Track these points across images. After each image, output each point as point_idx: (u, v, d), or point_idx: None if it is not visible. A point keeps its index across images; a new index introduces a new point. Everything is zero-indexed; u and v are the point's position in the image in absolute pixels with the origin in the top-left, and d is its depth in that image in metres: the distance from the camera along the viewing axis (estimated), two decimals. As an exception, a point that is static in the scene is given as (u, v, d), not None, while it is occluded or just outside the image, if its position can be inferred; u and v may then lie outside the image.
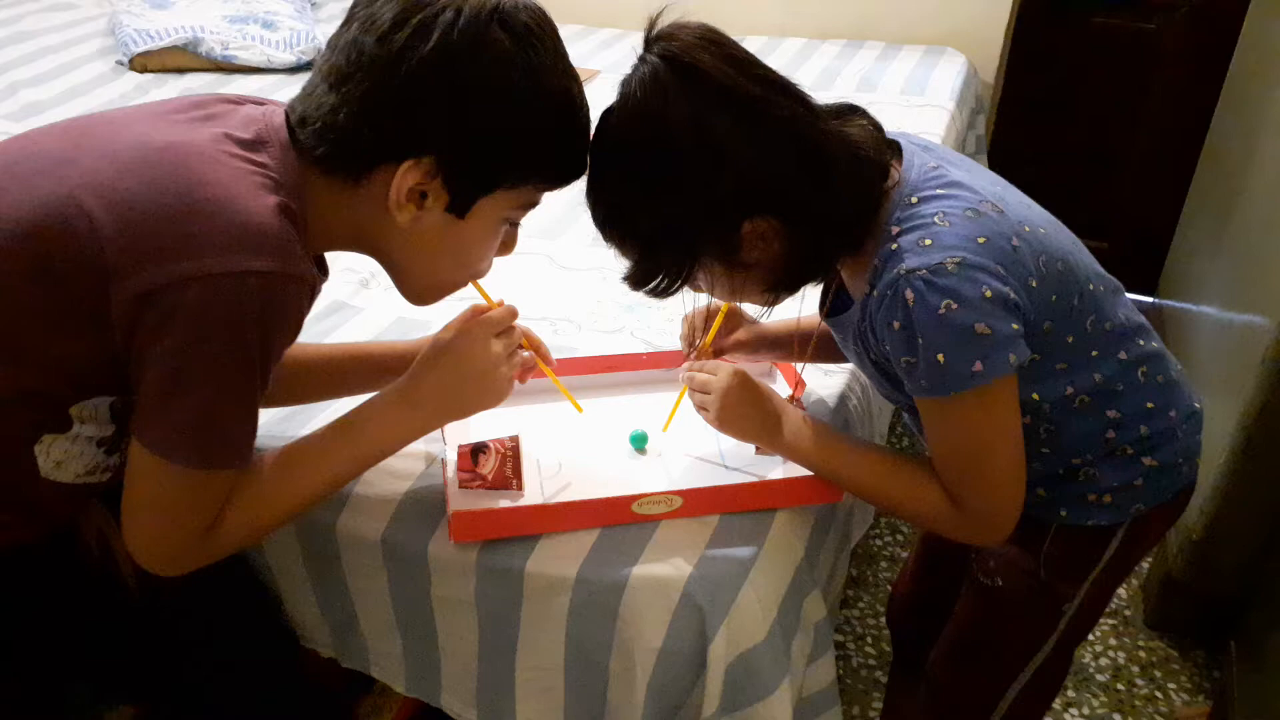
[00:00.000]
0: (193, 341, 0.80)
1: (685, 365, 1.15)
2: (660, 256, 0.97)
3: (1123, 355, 1.02)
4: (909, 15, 2.88)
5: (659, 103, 0.89)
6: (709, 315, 1.20)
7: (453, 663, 1.13)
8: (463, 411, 1.05)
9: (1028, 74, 2.96)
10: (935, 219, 0.92)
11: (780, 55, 2.72)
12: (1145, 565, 2.07)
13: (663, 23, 0.93)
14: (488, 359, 1.00)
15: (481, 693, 1.13)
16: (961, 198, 0.94)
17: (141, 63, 2.51)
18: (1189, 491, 1.11)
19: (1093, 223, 3.01)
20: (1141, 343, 1.03)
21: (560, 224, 1.70)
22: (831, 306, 1.10)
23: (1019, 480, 0.97)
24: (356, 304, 1.49)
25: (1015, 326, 0.91)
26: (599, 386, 1.28)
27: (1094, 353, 1.00)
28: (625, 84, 0.92)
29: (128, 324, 0.80)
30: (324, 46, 0.92)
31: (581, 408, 1.19)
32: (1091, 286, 1.00)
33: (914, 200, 0.94)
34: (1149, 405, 1.03)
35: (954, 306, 0.88)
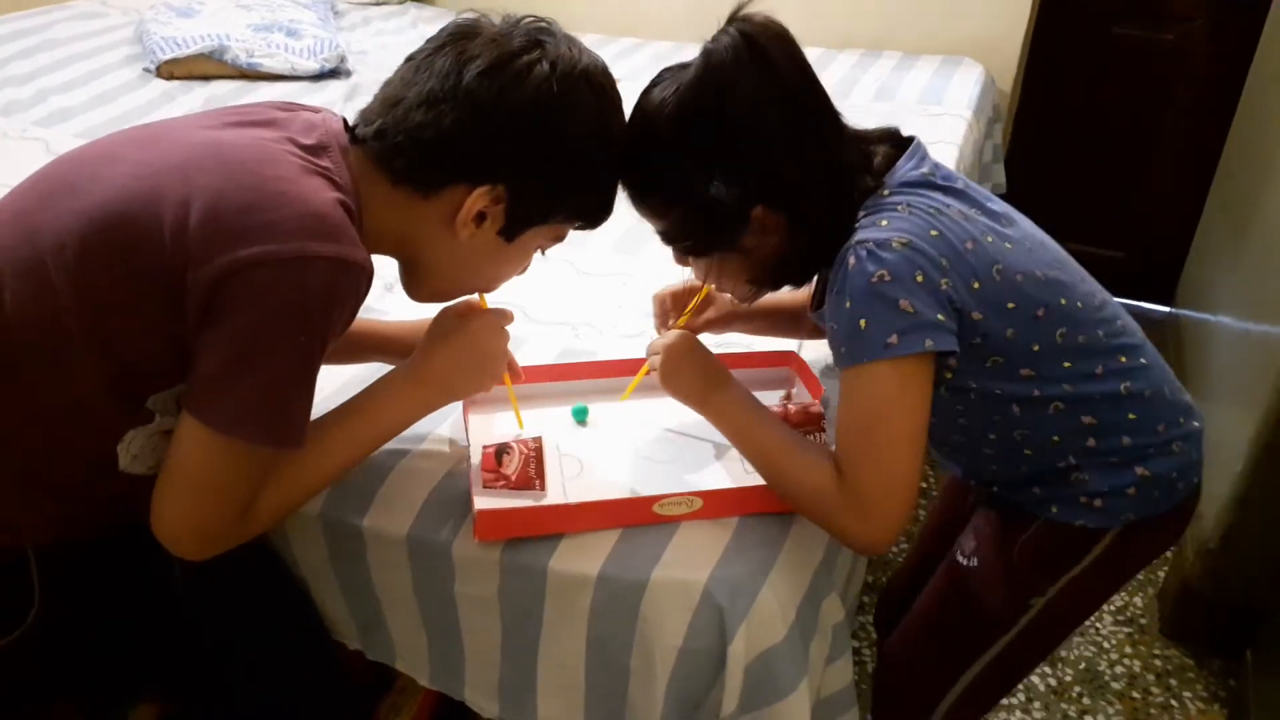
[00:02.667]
0: (261, 321, 0.84)
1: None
2: (697, 217, 1.02)
3: (1099, 370, 1.03)
4: (927, 25, 2.89)
5: (734, 73, 0.96)
6: (680, 295, 1.25)
7: (476, 658, 1.14)
8: (461, 393, 1.12)
9: (1045, 84, 2.97)
10: (899, 207, 0.98)
11: (798, 65, 2.74)
12: (1161, 574, 2.07)
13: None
14: (492, 347, 1.10)
15: (504, 687, 1.14)
16: (931, 197, 1.00)
17: (168, 70, 2.55)
18: (1185, 510, 1.11)
19: (1110, 233, 3.03)
20: (1125, 359, 1.05)
21: (582, 231, 1.73)
22: (817, 302, 1.14)
23: (910, 468, 0.96)
24: (381, 308, 1.51)
25: (941, 318, 0.94)
26: (619, 389, 1.30)
27: (1066, 364, 1.02)
28: (709, 48, 0.98)
29: (200, 307, 0.84)
30: (403, 66, 0.99)
31: (524, 423, 1.23)
32: (1063, 302, 1.02)
33: (886, 193, 1.01)
34: (1130, 416, 1.05)
35: (886, 278, 0.93)
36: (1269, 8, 2.40)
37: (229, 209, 0.84)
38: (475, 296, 1.13)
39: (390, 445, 1.16)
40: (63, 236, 0.86)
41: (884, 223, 0.96)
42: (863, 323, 0.94)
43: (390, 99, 0.97)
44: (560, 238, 1.08)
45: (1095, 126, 2.97)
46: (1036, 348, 1.01)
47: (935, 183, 1.02)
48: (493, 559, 1.07)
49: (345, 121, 1.01)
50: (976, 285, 0.97)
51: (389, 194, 0.98)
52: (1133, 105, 2.90)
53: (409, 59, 0.99)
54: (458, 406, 1.23)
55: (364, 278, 0.91)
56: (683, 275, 1.16)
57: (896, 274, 0.93)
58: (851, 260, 0.95)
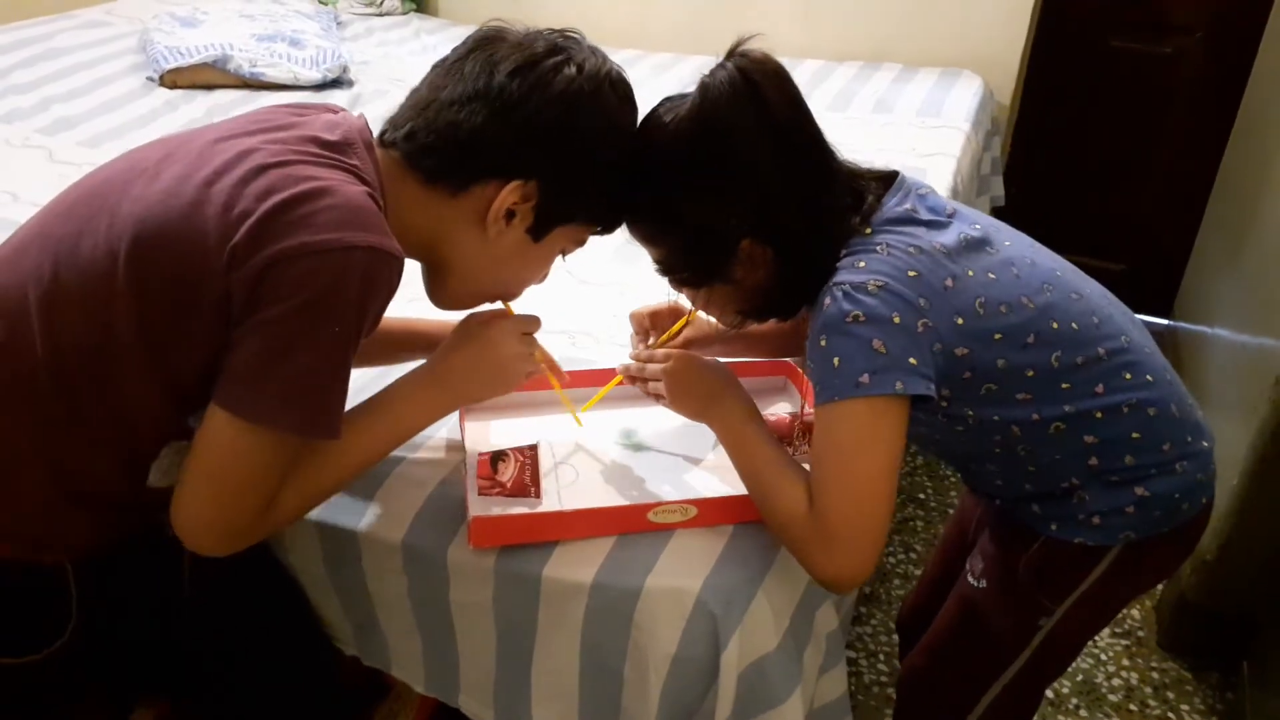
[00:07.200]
0: (298, 310, 0.85)
1: (630, 355, 1.23)
2: (688, 247, 1.05)
3: (1100, 389, 1.03)
4: (926, 38, 2.90)
5: (729, 106, 0.98)
6: (660, 314, 1.27)
7: (471, 665, 1.15)
8: (480, 394, 1.12)
9: (1044, 97, 2.98)
10: (878, 248, 0.99)
11: (798, 76, 2.72)
12: (1159, 586, 2.07)
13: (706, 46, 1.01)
14: (512, 351, 1.09)
15: (499, 695, 1.14)
16: (911, 234, 1.01)
17: (171, 79, 2.56)
18: (1193, 530, 1.11)
19: (1108, 245, 3.04)
20: (1129, 376, 1.04)
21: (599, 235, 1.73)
22: None
23: (878, 507, 0.96)
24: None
25: (914, 361, 0.95)
26: (615, 398, 1.30)
27: (1064, 385, 1.02)
28: (706, 81, 1.00)
29: (241, 303, 0.86)
30: (431, 73, 1.01)
31: (582, 422, 1.25)
32: (1055, 326, 1.01)
33: (868, 231, 1.02)
34: (1134, 435, 1.04)
35: (861, 319, 0.94)
36: (1267, 21, 2.42)
37: (268, 210, 0.86)
38: (501, 305, 1.13)
39: (386, 452, 1.17)
40: (110, 259, 0.88)
41: (861, 264, 0.98)
42: (836, 360, 0.95)
43: (419, 103, 1.00)
44: (582, 241, 1.10)
45: (1094, 139, 2.98)
46: (1031, 373, 1.01)
47: (917, 218, 1.03)
48: (487, 566, 1.07)
49: (364, 119, 1.03)
50: (960, 321, 0.98)
51: (419, 194, 0.99)
52: (1131, 118, 2.91)
53: (436, 65, 1.02)
54: (454, 413, 1.24)
55: (398, 267, 0.92)
56: (666, 293, 1.17)
57: (872, 315, 0.94)
58: (827, 301, 0.97)
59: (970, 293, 0.99)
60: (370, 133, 1.02)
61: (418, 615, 1.14)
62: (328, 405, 0.91)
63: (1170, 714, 1.81)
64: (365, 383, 1.21)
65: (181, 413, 0.93)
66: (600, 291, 1.64)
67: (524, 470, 1.12)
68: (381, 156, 1.00)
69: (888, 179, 1.08)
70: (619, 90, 1.02)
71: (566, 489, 1.14)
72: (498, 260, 1.05)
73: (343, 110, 1.04)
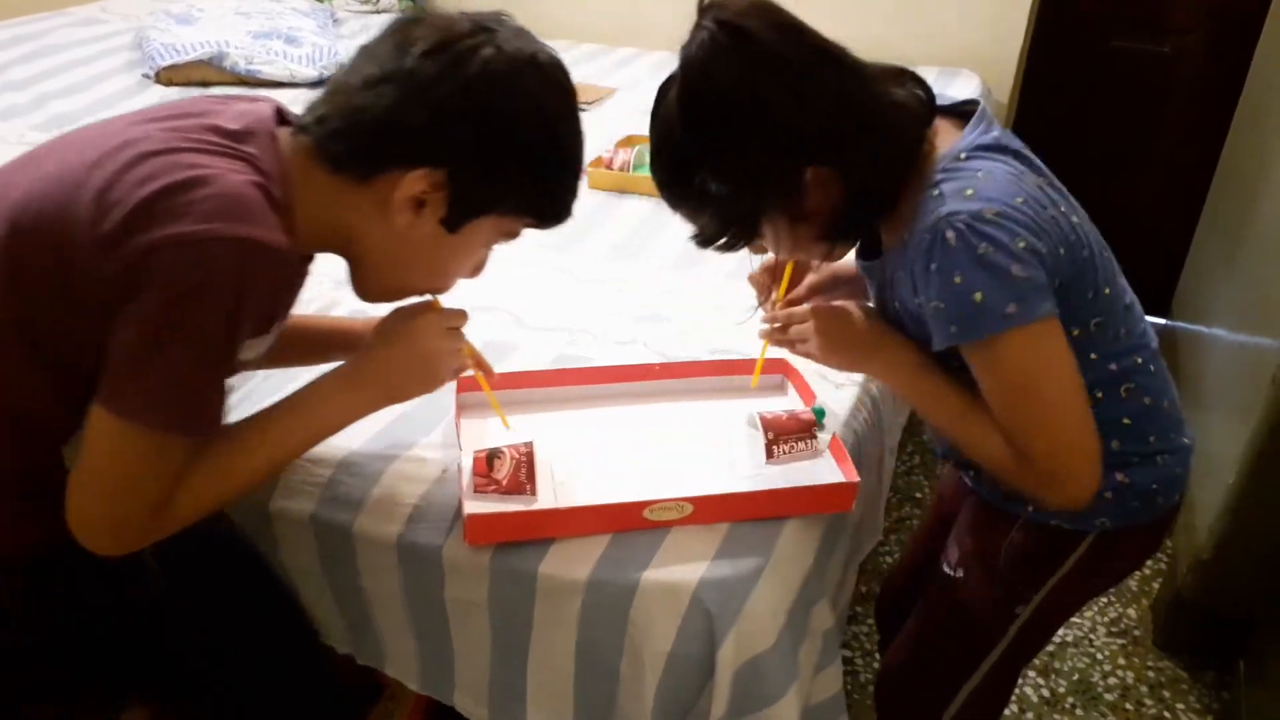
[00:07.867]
0: (169, 302, 0.82)
1: (762, 319, 1.18)
2: (725, 212, 1.01)
3: (1113, 366, 1.03)
4: (925, 35, 2.90)
5: (714, 63, 0.95)
6: (775, 267, 1.21)
7: (465, 662, 1.14)
8: (404, 393, 1.07)
9: (1042, 95, 2.98)
10: (979, 174, 0.96)
11: (795, 75, 2.74)
12: (1155, 585, 2.07)
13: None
14: (435, 347, 1.05)
15: (494, 692, 1.14)
16: (1009, 163, 0.98)
17: (167, 76, 2.56)
18: (1163, 526, 1.11)
19: (1106, 243, 3.04)
20: (1140, 360, 1.04)
21: (576, 238, 1.73)
22: (863, 253, 1.13)
23: (1081, 425, 0.95)
24: (335, 296, 1.49)
25: (1046, 283, 0.93)
26: (612, 395, 1.30)
27: (1092, 355, 1.01)
28: (685, 49, 0.98)
29: (115, 294, 0.83)
30: (352, 57, 0.96)
31: (510, 425, 1.20)
32: (1107, 291, 1.01)
33: (962, 157, 0.98)
34: (1125, 421, 1.04)
35: (992, 249, 0.91)
36: (1265, 20, 2.41)
37: (143, 198, 0.83)
38: (430, 298, 1.08)
39: (381, 450, 1.17)
40: None
41: (969, 192, 0.94)
42: (978, 296, 0.92)
43: (335, 87, 0.95)
44: (511, 234, 1.03)
45: (1092, 138, 2.98)
46: (1076, 332, 0.99)
47: (1010, 147, 1.00)
48: (482, 563, 1.07)
49: (281, 109, 0.99)
50: (1063, 251, 0.96)
51: (327, 182, 0.95)
52: (1129, 116, 2.92)
53: (359, 49, 0.97)
54: (449, 411, 1.24)
55: (277, 260, 0.87)
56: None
57: (1000, 243, 0.91)
58: (950, 235, 0.92)
59: (1065, 227, 0.97)
60: (276, 121, 0.97)
61: (412, 613, 1.13)
62: (197, 403, 0.88)
63: (1166, 713, 1.81)
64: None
65: (79, 402, 0.89)
66: (596, 289, 1.63)
67: (519, 468, 1.12)
68: (293, 144, 0.95)
69: (910, 77, 1.07)
70: (545, 72, 0.95)
71: (562, 486, 1.14)
72: (412, 253, 1.00)
73: (261, 99, 1.00)
